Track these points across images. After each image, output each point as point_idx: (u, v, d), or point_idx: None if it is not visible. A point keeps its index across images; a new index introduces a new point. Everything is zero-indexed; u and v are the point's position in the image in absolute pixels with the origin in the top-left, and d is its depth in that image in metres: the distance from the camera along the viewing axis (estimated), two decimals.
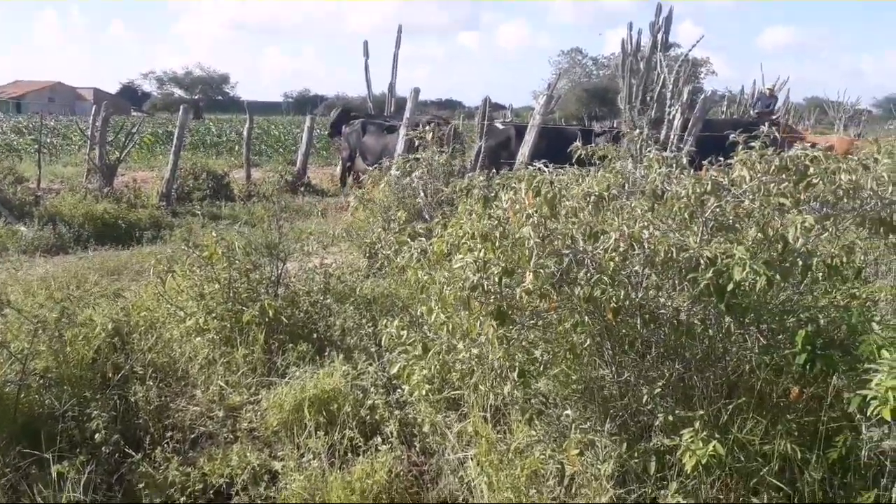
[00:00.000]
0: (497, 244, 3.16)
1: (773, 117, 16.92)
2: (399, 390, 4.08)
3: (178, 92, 73.78)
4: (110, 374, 4.44)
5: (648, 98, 11.81)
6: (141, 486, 3.64)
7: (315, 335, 4.95)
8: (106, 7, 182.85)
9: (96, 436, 3.76)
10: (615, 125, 14.83)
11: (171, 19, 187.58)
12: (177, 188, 13.00)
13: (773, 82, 21.13)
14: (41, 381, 4.12)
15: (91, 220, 10.21)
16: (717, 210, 3.21)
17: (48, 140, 23.51)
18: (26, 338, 4.14)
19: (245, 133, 16.93)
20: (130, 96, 73.21)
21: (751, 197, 3.21)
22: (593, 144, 4.32)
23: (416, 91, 10.04)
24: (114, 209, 10.79)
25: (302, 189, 14.94)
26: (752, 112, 18.26)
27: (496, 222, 3.23)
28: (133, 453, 3.77)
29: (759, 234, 3.16)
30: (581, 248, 3.19)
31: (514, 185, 3.61)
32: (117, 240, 9.73)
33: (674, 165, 3.45)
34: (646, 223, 3.12)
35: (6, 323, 4.45)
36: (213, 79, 77.31)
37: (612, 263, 3.09)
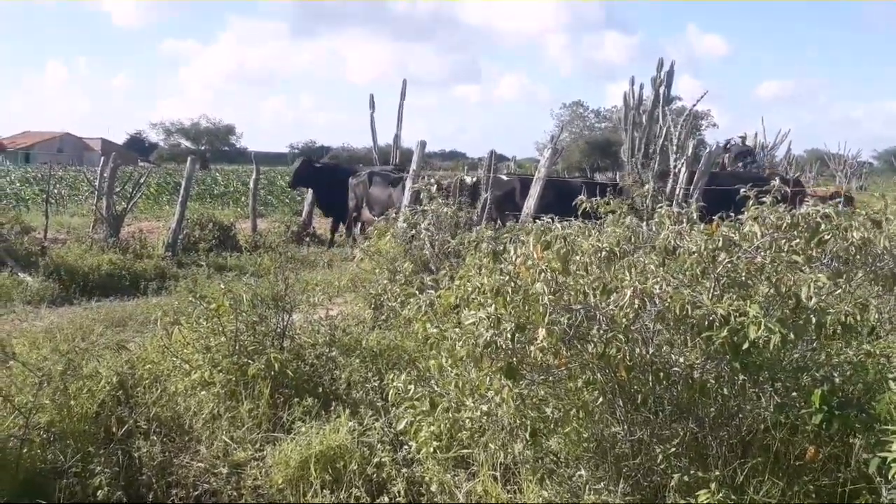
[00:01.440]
0: (509, 299, 3.14)
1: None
2: (406, 447, 4.01)
3: (185, 143, 74.70)
4: (114, 429, 4.37)
5: (651, 151, 11.93)
6: None
7: (321, 389, 4.89)
8: (112, 58, 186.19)
9: (99, 492, 3.70)
10: (619, 178, 14.92)
11: (174, 71, 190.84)
12: (183, 238, 13.04)
13: (777, 134, 21.27)
14: (44, 436, 4.07)
15: (97, 270, 10.21)
16: (729, 266, 3.20)
17: (56, 190, 23.72)
18: (30, 391, 4.10)
19: (251, 184, 17.04)
20: (138, 147, 74.12)
21: (763, 253, 3.20)
22: (599, 197, 4.34)
23: (423, 143, 10.14)
24: (119, 260, 10.80)
25: (307, 239, 14.99)
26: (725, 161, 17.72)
27: (507, 277, 3.21)
28: None
29: (772, 291, 3.14)
30: (593, 304, 3.17)
31: (523, 239, 3.61)
32: (123, 290, 9.74)
33: (684, 221, 3.45)
34: (658, 279, 3.10)
35: (10, 376, 4.41)
36: (218, 130, 78.30)
37: (624, 320, 3.06)
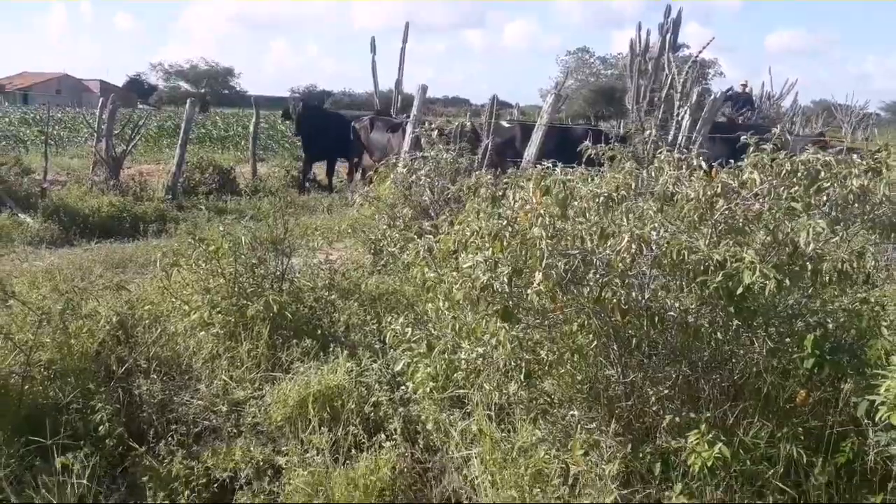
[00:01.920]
0: (507, 244, 3.15)
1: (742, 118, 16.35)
2: (403, 388, 4.07)
3: (185, 85, 73.81)
4: (114, 367, 4.43)
5: (656, 99, 11.79)
6: (144, 479, 3.62)
7: (319, 331, 4.94)
8: (113, 1, 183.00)
9: (100, 428, 3.76)
10: (622, 126, 14.75)
11: (176, 12, 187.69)
12: (183, 182, 13.01)
13: (784, 84, 20.96)
14: (45, 373, 4.12)
15: (97, 212, 10.22)
16: (727, 212, 3.20)
17: (55, 132, 23.56)
18: (30, 329, 4.14)
19: (251, 128, 16.90)
20: (137, 89, 73.28)
21: (761, 200, 3.20)
22: (603, 145, 4.31)
23: (424, 88, 10.02)
24: (119, 202, 10.80)
25: (308, 184, 14.94)
26: (724, 112, 17.45)
27: (505, 222, 3.21)
28: (137, 446, 3.76)
29: (769, 238, 3.14)
30: (590, 249, 3.18)
31: (522, 184, 3.60)
32: (123, 233, 9.76)
33: (684, 167, 3.43)
34: (655, 224, 3.10)
35: (11, 314, 4.46)
36: (217, 72, 77.27)
37: (621, 265, 3.07)
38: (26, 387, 3.95)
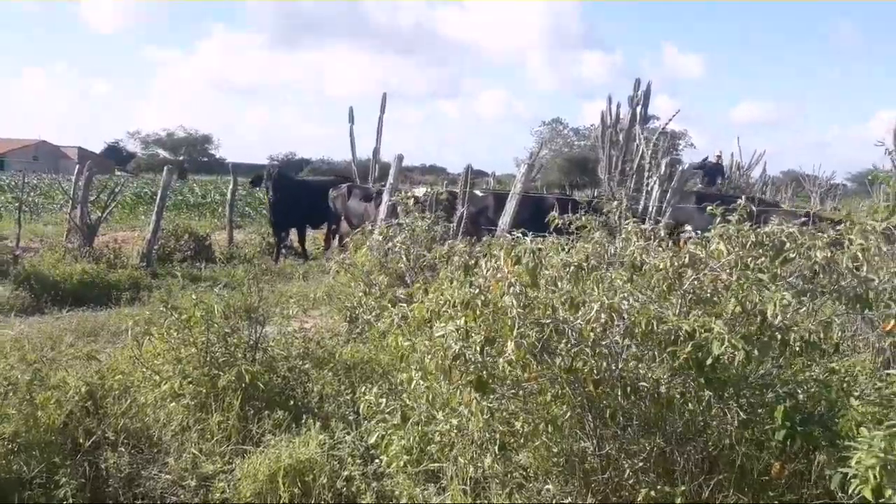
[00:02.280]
0: (479, 312, 3.16)
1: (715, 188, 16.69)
2: (377, 461, 4.01)
3: (163, 153, 74.17)
4: (81, 440, 4.33)
5: (627, 169, 12.06)
6: None
7: (292, 402, 4.86)
8: (90, 66, 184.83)
9: None
10: (595, 195, 15.00)
11: (153, 79, 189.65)
12: (158, 249, 12.94)
13: (753, 155, 21.49)
14: (9, 446, 4.00)
15: (69, 280, 10.07)
16: (696, 283, 3.25)
17: (30, 198, 23.44)
18: None
19: (228, 194, 16.95)
20: (115, 156, 73.49)
21: (728, 271, 3.25)
22: (573, 214, 4.39)
23: (400, 157, 10.18)
24: (93, 269, 10.67)
25: (284, 251, 14.92)
26: (696, 182, 17.71)
27: (477, 290, 3.23)
28: None
29: (738, 308, 3.19)
30: (561, 318, 3.20)
31: (494, 252, 3.64)
32: (96, 301, 9.62)
33: (652, 238, 3.50)
34: (625, 294, 3.14)
35: None
36: (196, 139, 77.80)
37: (592, 334, 3.09)
38: None
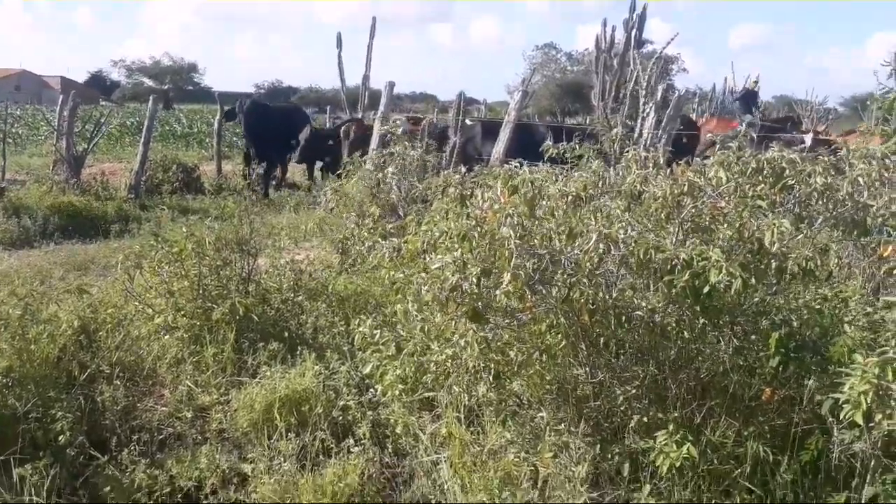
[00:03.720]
0: (475, 244, 3.12)
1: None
2: (372, 391, 4.03)
3: (148, 82, 72.40)
4: (76, 373, 4.33)
5: (622, 95, 11.85)
6: (107, 489, 3.54)
7: (286, 333, 4.88)
8: None
9: (60, 437, 3.67)
10: (589, 122, 14.81)
11: (138, 7, 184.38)
12: (146, 180, 12.78)
13: (746, 78, 21.20)
14: (3, 381, 4.00)
15: (57, 212, 9.98)
16: (693, 211, 3.21)
17: (14, 130, 22.99)
18: None
19: (216, 125, 16.65)
20: (99, 85, 71.86)
21: (727, 198, 3.21)
22: (567, 142, 4.30)
23: (391, 84, 9.95)
24: (81, 201, 10.58)
25: (274, 183, 14.77)
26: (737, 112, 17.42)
27: (474, 222, 3.19)
28: (99, 455, 3.68)
29: (735, 236, 3.16)
30: (558, 248, 3.17)
31: (490, 183, 3.58)
32: (84, 233, 9.55)
33: (651, 165, 3.44)
34: (623, 223, 3.10)
35: None
36: (182, 68, 75.90)
37: (588, 264, 3.06)
38: None
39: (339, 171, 8.44)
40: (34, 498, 3.32)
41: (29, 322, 4.22)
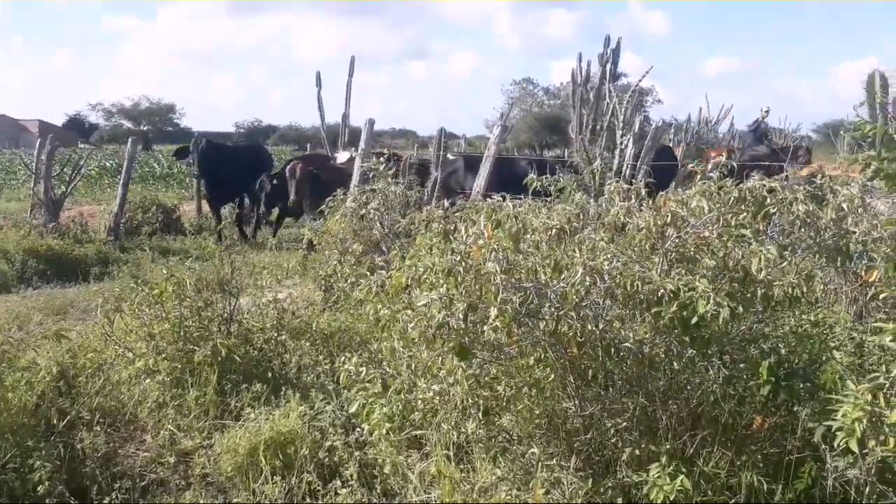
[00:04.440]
0: (461, 279, 3.10)
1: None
2: (359, 430, 3.97)
3: (127, 123, 72.33)
4: (55, 421, 4.23)
5: (598, 127, 11.97)
6: None
7: (270, 374, 4.80)
8: (49, 37, 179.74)
9: (39, 487, 3.57)
10: (567, 155, 14.93)
11: (115, 49, 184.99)
12: (125, 222, 12.68)
13: (721, 109, 21.52)
14: None
15: (36, 256, 9.85)
16: (678, 241, 3.22)
17: None
18: None
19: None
20: (77, 128, 71.61)
21: (710, 228, 3.22)
22: (550, 175, 4.31)
23: (371, 122, 9.99)
24: (60, 245, 10.47)
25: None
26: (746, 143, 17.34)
27: (459, 257, 3.17)
28: None
29: (720, 265, 3.16)
30: (544, 282, 3.15)
31: (473, 217, 3.57)
32: (64, 277, 9.41)
33: (633, 197, 3.45)
34: (608, 255, 3.10)
35: None
36: (160, 109, 76.02)
37: (575, 297, 3.05)
38: None
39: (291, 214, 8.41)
40: None
41: (6, 370, 4.14)
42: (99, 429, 4.16)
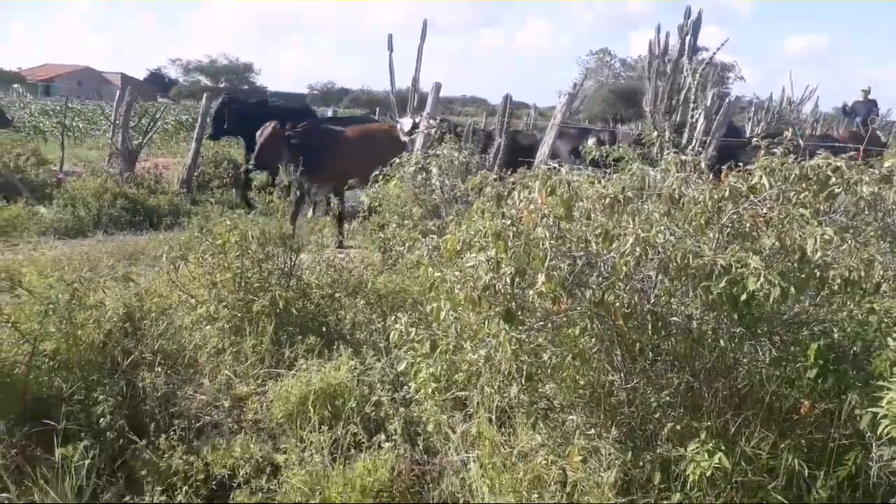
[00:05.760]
0: (510, 244, 3.11)
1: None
2: (405, 388, 4.05)
3: (204, 80, 74.03)
4: (119, 359, 4.45)
5: (674, 101, 11.66)
6: (143, 472, 3.63)
7: (324, 328, 4.94)
8: None
9: (101, 420, 3.77)
10: (639, 128, 14.58)
11: (194, 9, 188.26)
12: (198, 175, 13.05)
13: (805, 89, 20.63)
14: (50, 363, 4.13)
15: (111, 204, 10.26)
16: (734, 217, 3.15)
17: (73, 123, 23.72)
18: (37, 319, 4.15)
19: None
20: (158, 83, 73.58)
21: (769, 205, 3.14)
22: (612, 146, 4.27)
23: (438, 86, 9.98)
24: (134, 194, 10.85)
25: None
26: (855, 125, 16.76)
27: (510, 221, 3.18)
28: (137, 439, 3.77)
29: (777, 244, 3.09)
30: (594, 251, 3.14)
31: (528, 184, 3.56)
32: (136, 225, 9.82)
33: (692, 169, 3.38)
34: (661, 228, 3.06)
35: (18, 304, 4.47)
36: (237, 67, 77.40)
37: (625, 268, 3.03)
38: (31, 376, 3.97)
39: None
40: (74, 478, 3.41)
41: (76, 307, 4.34)
42: (160, 370, 4.36)
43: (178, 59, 77.16)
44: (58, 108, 28.95)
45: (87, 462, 3.47)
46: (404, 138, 9.66)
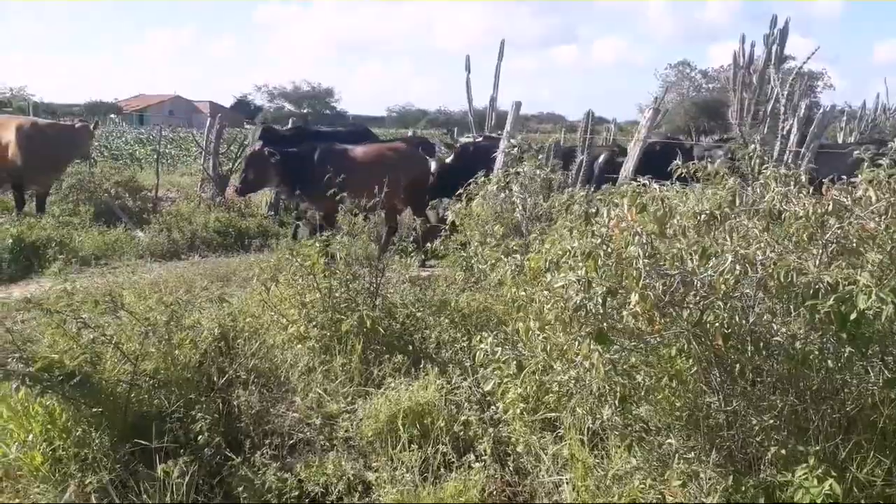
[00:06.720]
0: (601, 263, 3.06)
1: None
2: (493, 408, 4.02)
3: (288, 106, 76.37)
4: (215, 378, 4.57)
5: (761, 113, 11.32)
6: (240, 489, 3.71)
7: (410, 347, 4.97)
8: (214, 25, 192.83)
9: (199, 437, 3.87)
10: (724, 139, 14.21)
11: (272, 36, 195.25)
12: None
13: (887, 95, 19.68)
14: (150, 382, 4.28)
15: (203, 227, 10.64)
16: (839, 232, 3.01)
17: (166, 150, 24.78)
18: (137, 339, 4.32)
19: None
20: (244, 110, 76.17)
21: (877, 219, 2.99)
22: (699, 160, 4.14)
23: (518, 104, 9.97)
24: (225, 218, 11.23)
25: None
26: None
27: (600, 240, 3.13)
28: (233, 456, 3.85)
29: (886, 259, 2.93)
30: (690, 269, 3.05)
31: (617, 201, 3.50)
32: (227, 247, 10.15)
33: (792, 183, 3.25)
34: (761, 244, 2.95)
35: (120, 325, 4.67)
36: (318, 93, 79.61)
37: (723, 286, 2.93)
38: (132, 395, 4.12)
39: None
40: (175, 494, 3.52)
41: (174, 328, 4.50)
42: (254, 388, 4.46)
43: (265, 86, 79.87)
44: (152, 136, 30.37)
45: (186, 478, 3.56)
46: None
